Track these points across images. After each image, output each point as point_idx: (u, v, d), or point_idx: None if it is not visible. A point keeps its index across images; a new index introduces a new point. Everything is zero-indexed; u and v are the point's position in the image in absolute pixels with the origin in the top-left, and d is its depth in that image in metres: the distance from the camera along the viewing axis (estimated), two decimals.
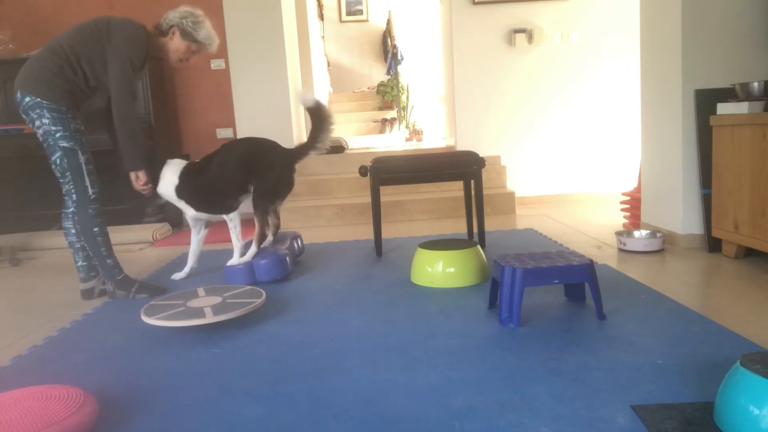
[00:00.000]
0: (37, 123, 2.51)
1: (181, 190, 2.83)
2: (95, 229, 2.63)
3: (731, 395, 1.27)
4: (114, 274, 2.70)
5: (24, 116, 2.56)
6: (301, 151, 2.92)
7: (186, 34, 2.70)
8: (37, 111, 2.49)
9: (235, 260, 2.84)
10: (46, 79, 2.49)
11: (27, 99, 2.50)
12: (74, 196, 2.59)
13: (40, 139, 2.55)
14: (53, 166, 2.61)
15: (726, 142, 2.76)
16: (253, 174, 2.85)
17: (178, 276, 3.04)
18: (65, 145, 2.53)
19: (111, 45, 2.53)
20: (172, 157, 2.98)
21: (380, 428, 1.40)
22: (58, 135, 2.52)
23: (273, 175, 2.86)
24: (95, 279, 2.78)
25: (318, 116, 2.86)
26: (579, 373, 1.63)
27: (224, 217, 2.91)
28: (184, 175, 2.84)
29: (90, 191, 2.60)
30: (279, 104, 4.98)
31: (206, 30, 2.74)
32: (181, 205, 2.88)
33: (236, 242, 2.90)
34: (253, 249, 2.87)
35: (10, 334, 2.36)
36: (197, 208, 2.88)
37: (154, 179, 2.80)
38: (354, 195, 4.89)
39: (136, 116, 2.59)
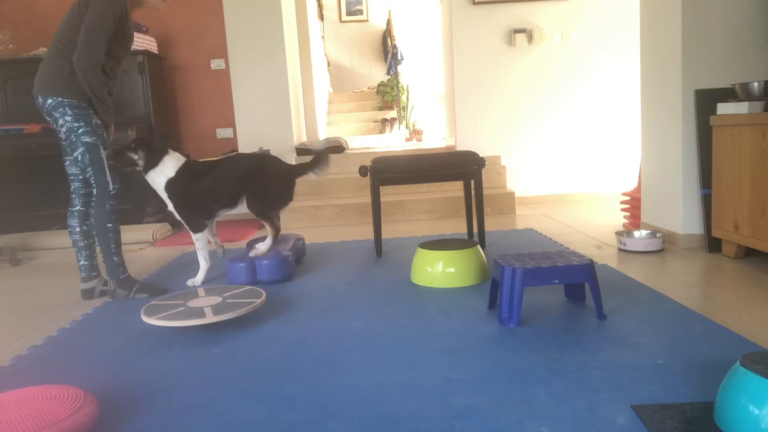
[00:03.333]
0: (60, 121, 2.54)
1: (170, 185, 2.80)
2: (109, 225, 2.64)
3: (731, 395, 1.27)
4: (118, 272, 2.71)
5: (48, 118, 2.59)
6: (302, 169, 2.98)
7: None
8: (60, 110, 2.53)
9: (199, 281, 2.88)
10: (62, 78, 2.52)
11: (49, 101, 2.53)
12: (94, 190, 2.61)
13: (63, 136, 2.58)
14: (66, 163, 2.67)
15: (726, 142, 2.76)
16: (248, 188, 2.85)
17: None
18: (88, 140, 2.55)
19: (88, 13, 2.50)
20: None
21: (380, 428, 1.40)
22: (80, 131, 2.54)
23: (272, 188, 2.88)
24: (96, 279, 2.79)
25: (322, 158, 2.99)
26: (579, 373, 1.63)
27: (191, 234, 2.89)
28: (181, 172, 2.81)
29: (110, 186, 2.62)
30: (279, 104, 4.98)
31: None
32: (163, 196, 2.85)
33: (202, 263, 2.89)
34: (268, 242, 2.90)
35: (10, 334, 2.36)
36: (175, 208, 2.85)
37: (150, 163, 2.78)
38: (354, 195, 4.89)
39: (98, 74, 2.51)
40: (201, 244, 2.88)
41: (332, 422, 1.44)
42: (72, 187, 2.73)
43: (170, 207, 2.88)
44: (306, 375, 1.74)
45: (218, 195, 2.85)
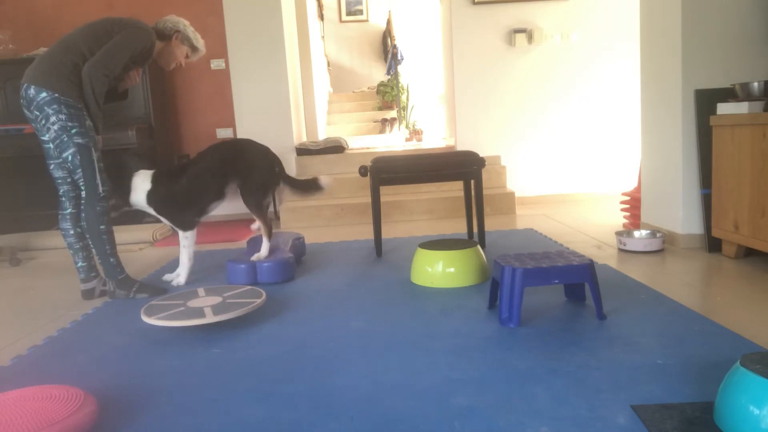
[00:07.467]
0: (53, 119, 2.49)
1: (150, 196, 2.81)
2: (102, 226, 2.63)
3: (731, 395, 1.27)
4: (116, 273, 2.70)
5: (36, 112, 2.51)
6: (287, 177, 3.01)
7: (186, 40, 2.83)
8: (55, 106, 2.48)
9: (183, 278, 2.90)
10: (64, 75, 2.50)
11: (43, 94, 2.48)
12: (82, 193, 2.60)
13: (53, 135, 2.52)
14: (51, 167, 2.65)
15: (726, 142, 2.76)
16: (234, 176, 2.86)
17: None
18: (80, 141, 2.53)
19: (121, 34, 2.60)
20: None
21: (380, 428, 1.40)
22: (74, 131, 2.52)
23: (256, 170, 2.87)
24: (96, 279, 2.78)
25: (315, 186, 3.09)
26: (579, 373, 1.63)
27: (179, 232, 2.89)
28: (156, 181, 2.83)
29: (100, 188, 2.60)
30: (279, 104, 4.98)
31: (201, 40, 2.91)
32: (149, 210, 2.85)
33: (185, 262, 2.91)
34: (266, 244, 2.90)
35: (10, 334, 2.36)
36: (161, 213, 2.85)
37: (124, 191, 2.80)
38: (354, 195, 4.89)
39: (105, 84, 2.58)
40: (189, 242, 2.90)
41: (332, 422, 1.44)
42: (60, 191, 2.70)
43: (153, 213, 2.87)
44: (306, 375, 1.74)
45: (201, 190, 2.85)
